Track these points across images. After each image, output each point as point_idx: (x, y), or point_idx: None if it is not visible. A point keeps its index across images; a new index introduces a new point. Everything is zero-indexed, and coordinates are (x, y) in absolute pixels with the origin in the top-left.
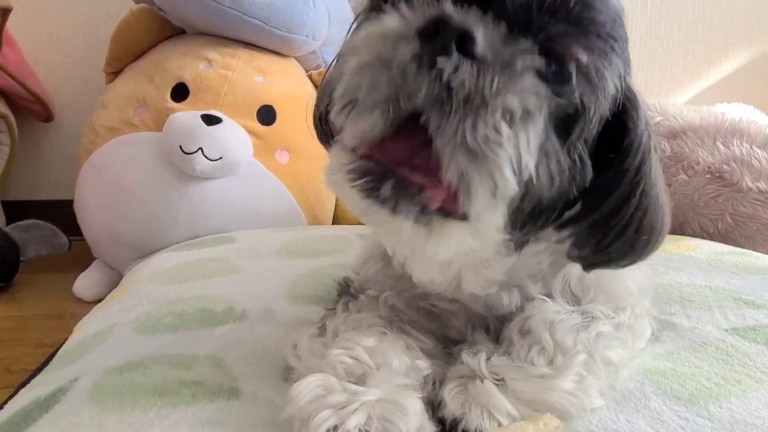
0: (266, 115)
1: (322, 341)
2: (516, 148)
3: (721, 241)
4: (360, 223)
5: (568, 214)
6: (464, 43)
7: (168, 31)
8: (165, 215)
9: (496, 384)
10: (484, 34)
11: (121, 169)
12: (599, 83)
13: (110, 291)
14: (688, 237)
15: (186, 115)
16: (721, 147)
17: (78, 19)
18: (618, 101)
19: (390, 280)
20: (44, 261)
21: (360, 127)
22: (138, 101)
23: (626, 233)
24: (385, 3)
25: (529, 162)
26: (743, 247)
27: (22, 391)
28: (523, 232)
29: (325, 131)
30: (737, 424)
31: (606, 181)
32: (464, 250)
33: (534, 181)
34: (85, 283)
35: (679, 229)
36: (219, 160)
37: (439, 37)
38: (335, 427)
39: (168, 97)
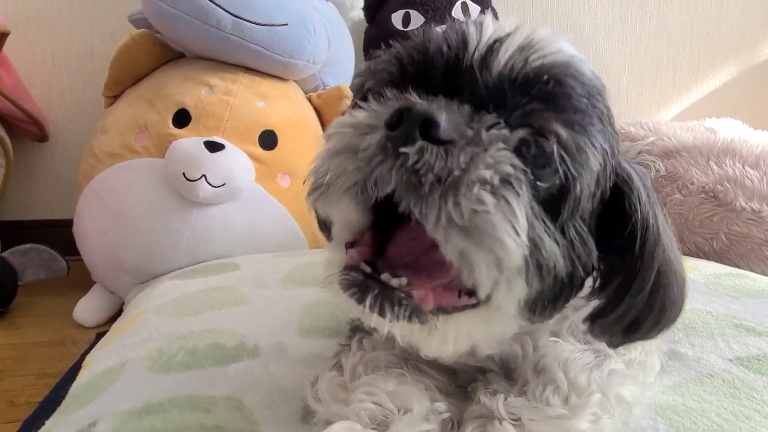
0: (268, 140)
1: (340, 382)
2: (506, 214)
3: (716, 260)
4: None
5: (581, 293)
6: (428, 128)
7: (168, 55)
8: (167, 241)
9: (513, 425)
10: (447, 118)
11: (122, 194)
12: (581, 159)
13: (111, 315)
14: (685, 257)
15: (188, 142)
16: (715, 167)
17: (73, 41)
18: (609, 178)
19: None
20: (42, 284)
21: (341, 216)
22: (139, 127)
23: (647, 313)
24: (368, 94)
25: (523, 228)
26: (738, 266)
27: None
28: (541, 315)
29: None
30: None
31: (619, 261)
32: (477, 339)
33: (531, 254)
34: (85, 309)
35: None
36: (222, 187)
37: (402, 126)
38: None
39: (170, 123)
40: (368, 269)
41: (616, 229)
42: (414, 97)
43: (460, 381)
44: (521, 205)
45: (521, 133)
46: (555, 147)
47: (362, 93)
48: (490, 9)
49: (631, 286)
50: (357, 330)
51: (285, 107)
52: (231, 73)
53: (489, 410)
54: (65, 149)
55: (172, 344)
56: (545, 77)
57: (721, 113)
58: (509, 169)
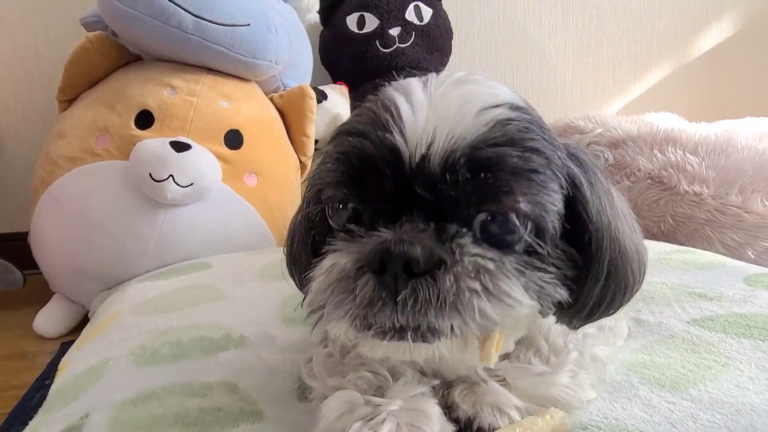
0: (233, 140)
1: (333, 360)
2: (505, 297)
3: (664, 241)
4: None
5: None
6: (410, 266)
7: (125, 57)
8: (134, 245)
9: (499, 384)
10: (422, 251)
11: (84, 199)
12: (543, 212)
13: (73, 326)
14: None
15: (154, 143)
16: (658, 154)
17: (17, 46)
18: (564, 193)
19: None
20: None
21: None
22: (100, 129)
23: (604, 299)
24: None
25: (521, 293)
26: (684, 245)
27: None
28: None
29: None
30: (716, 403)
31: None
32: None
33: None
34: (46, 320)
35: None
36: (190, 187)
37: (388, 271)
38: None
39: (132, 125)
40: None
41: (570, 228)
42: (384, 233)
43: None
44: (513, 281)
45: (482, 217)
46: (517, 221)
47: (319, 200)
48: (440, 11)
49: (587, 279)
50: None
51: (249, 107)
52: (193, 74)
53: (476, 374)
54: (11, 159)
55: (155, 340)
56: (484, 167)
57: (659, 108)
58: (491, 266)
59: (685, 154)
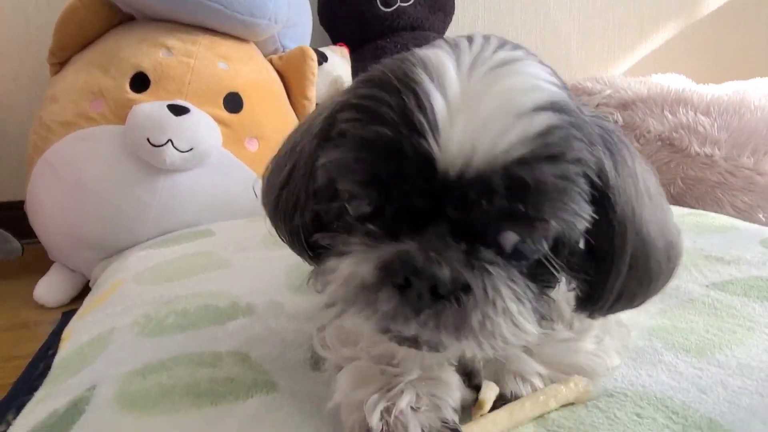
0: (233, 103)
1: (346, 330)
2: (522, 325)
3: (673, 204)
4: None
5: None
6: (436, 287)
7: (117, 17)
8: (133, 212)
9: (525, 351)
10: (450, 275)
11: (80, 165)
12: (575, 225)
13: (74, 295)
14: None
15: (151, 106)
16: (669, 115)
17: (5, 11)
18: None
19: None
20: None
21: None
22: (93, 93)
23: (627, 291)
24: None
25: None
26: (694, 209)
27: (29, 405)
28: None
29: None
30: (745, 369)
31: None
32: None
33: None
34: (46, 289)
35: None
36: (189, 152)
37: (413, 290)
38: (388, 409)
39: (127, 88)
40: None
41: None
42: (409, 245)
43: None
44: (529, 310)
45: (511, 238)
46: (544, 242)
47: (332, 185)
48: None
49: (608, 273)
50: None
51: (249, 69)
52: (190, 34)
53: None
54: (3, 126)
55: (159, 309)
56: (523, 191)
57: (665, 69)
58: (513, 295)
59: (696, 115)
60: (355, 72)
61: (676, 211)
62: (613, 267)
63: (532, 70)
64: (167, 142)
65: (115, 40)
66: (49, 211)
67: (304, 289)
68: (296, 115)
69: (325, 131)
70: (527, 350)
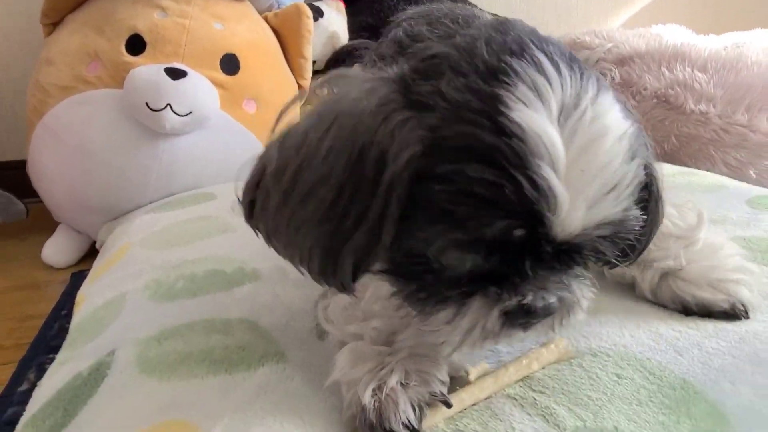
0: (230, 65)
1: (347, 304)
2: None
3: (667, 161)
4: None
5: None
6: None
7: None
8: (135, 176)
9: None
10: (559, 305)
11: (80, 130)
12: (635, 227)
13: (81, 256)
14: None
15: (148, 70)
16: (666, 72)
17: None
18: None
19: None
20: (1, 229)
21: None
22: (89, 55)
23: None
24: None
25: None
26: (687, 166)
27: (52, 367)
28: None
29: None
30: (720, 331)
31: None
32: None
33: None
34: (54, 251)
35: None
36: (189, 115)
37: (527, 319)
38: (379, 387)
39: (123, 50)
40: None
41: None
42: (526, 297)
43: None
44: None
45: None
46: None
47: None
48: None
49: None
50: None
51: (244, 28)
52: None
53: None
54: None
55: (168, 274)
56: (613, 234)
57: (666, 20)
58: (586, 303)
59: (693, 72)
60: (351, 27)
61: (669, 169)
62: (648, 230)
63: (617, 118)
64: (166, 106)
65: (107, 0)
66: (51, 175)
67: None
68: (293, 73)
69: (413, 195)
70: (673, 275)
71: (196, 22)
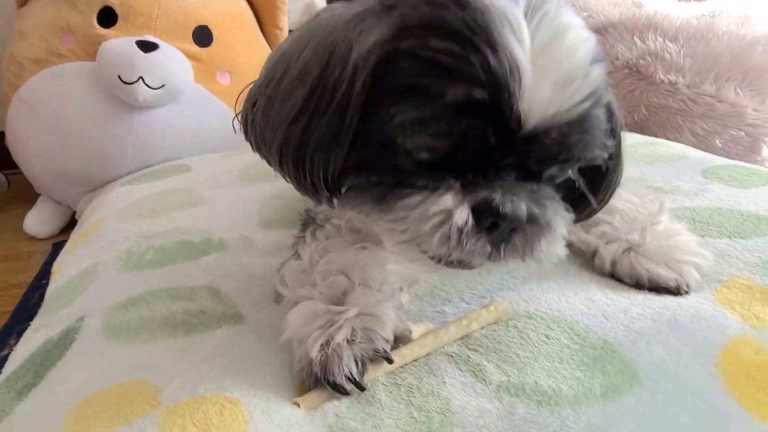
0: (202, 37)
1: (303, 269)
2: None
3: (637, 131)
4: None
5: None
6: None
7: None
8: (112, 148)
9: None
10: (527, 215)
11: (56, 103)
12: (601, 156)
13: (63, 226)
14: None
15: (120, 43)
16: (638, 42)
17: None
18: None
19: None
20: None
21: None
22: (62, 29)
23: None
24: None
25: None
26: (656, 135)
27: (27, 333)
28: None
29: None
30: (648, 300)
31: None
32: None
33: None
34: (36, 221)
35: None
36: (161, 88)
37: (499, 231)
38: (327, 343)
39: (95, 23)
40: None
41: None
42: (490, 192)
43: None
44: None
45: (555, 171)
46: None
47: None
48: None
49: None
50: (309, 223)
51: (217, 0)
52: None
53: None
54: None
55: (139, 244)
56: (579, 133)
57: None
58: (561, 220)
59: (665, 42)
60: None
61: (634, 139)
62: (609, 179)
63: (577, 21)
64: (138, 79)
65: None
66: (29, 148)
67: (273, 224)
68: (269, 45)
69: (378, 79)
70: (635, 251)
71: None
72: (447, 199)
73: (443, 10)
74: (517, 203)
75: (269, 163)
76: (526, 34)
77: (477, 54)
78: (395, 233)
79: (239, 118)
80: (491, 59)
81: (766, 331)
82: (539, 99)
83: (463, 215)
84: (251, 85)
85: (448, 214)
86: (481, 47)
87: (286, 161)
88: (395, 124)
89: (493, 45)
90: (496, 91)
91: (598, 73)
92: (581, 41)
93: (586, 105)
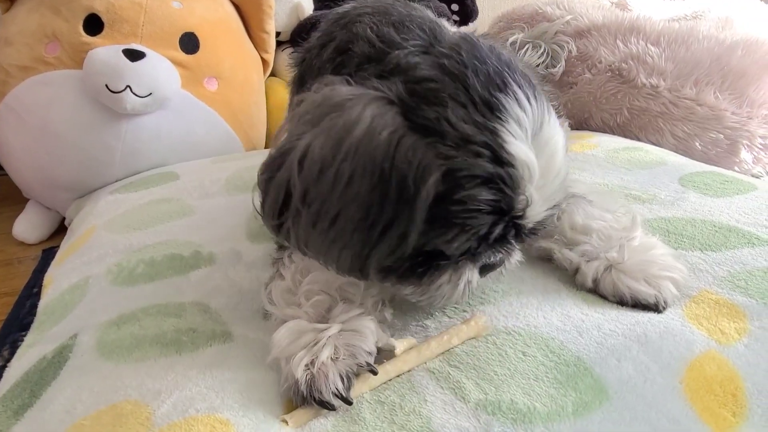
0: (189, 43)
1: (288, 288)
2: None
3: (619, 134)
4: None
5: None
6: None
7: None
8: (100, 156)
9: None
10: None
11: (44, 111)
12: None
13: (52, 231)
14: (592, 133)
15: (106, 51)
16: (621, 45)
17: None
18: None
19: None
20: None
21: None
22: (48, 36)
23: None
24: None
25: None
26: (638, 138)
27: (21, 349)
28: None
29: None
30: (621, 316)
31: None
32: None
33: None
34: (25, 227)
35: (585, 124)
36: (149, 96)
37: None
38: (312, 362)
39: (81, 31)
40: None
41: None
42: (496, 256)
43: None
44: None
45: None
46: None
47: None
48: None
49: None
50: (283, 247)
51: (203, 6)
52: None
53: None
54: None
55: (130, 258)
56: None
57: None
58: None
59: (647, 45)
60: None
61: (615, 144)
62: None
63: (560, 132)
64: (125, 88)
65: None
66: (17, 155)
67: (261, 237)
68: (256, 48)
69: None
70: (615, 268)
71: (154, 1)
72: (466, 273)
73: (484, 161)
74: (502, 256)
75: (309, 257)
76: (537, 173)
77: (508, 200)
78: (415, 296)
79: (262, 214)
80: (518, 203)
81: (729, 346)
82: (538, 210)
83: (475, 277)
84: (266, 173)
85: (466, 281)
86: (512, 196)
87: (343, 262)
88: (447, 246)
89: (520, 193)
90: (516, 216)
91: (567, 165)
92: (563, 153)
93: (564, 191)
